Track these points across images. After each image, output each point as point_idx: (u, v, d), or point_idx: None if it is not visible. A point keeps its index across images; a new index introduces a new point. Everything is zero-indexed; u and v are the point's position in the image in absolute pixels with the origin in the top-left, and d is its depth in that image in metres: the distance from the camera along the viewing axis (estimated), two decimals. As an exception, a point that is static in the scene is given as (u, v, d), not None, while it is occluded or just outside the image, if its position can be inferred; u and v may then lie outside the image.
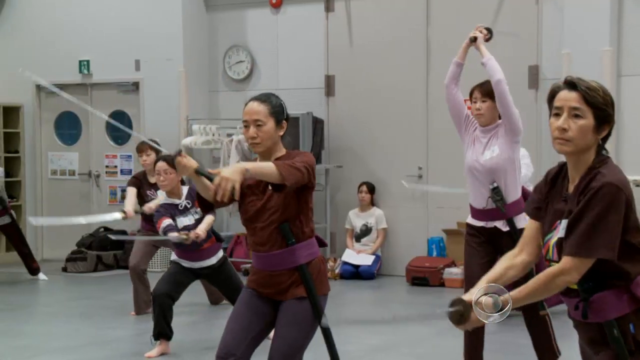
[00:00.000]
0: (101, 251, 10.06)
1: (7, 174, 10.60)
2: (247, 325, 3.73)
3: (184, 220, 5.99)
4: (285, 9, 10.04)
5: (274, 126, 3.71)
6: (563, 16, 8.48)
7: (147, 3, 10.30)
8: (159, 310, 5.87)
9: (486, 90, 4.97)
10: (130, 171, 10.61)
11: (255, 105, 3.72)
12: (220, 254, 6.15)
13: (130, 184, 7.37)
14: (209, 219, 5.95)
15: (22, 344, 6.42)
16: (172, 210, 6.01)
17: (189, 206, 6.05)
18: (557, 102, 2.77)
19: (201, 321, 7.28)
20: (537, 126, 8.48)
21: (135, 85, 10.48)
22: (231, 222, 10.31)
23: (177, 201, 6.06)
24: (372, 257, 9.34)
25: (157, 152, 7.35)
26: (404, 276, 9.07)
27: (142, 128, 10.40)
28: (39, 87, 10.97)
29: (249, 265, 9.52)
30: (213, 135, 9.91)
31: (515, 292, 2.76)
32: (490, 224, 4.96)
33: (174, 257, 6.09)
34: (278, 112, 3.73)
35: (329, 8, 9.82)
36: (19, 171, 11.03)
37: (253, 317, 3.75)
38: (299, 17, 9.99)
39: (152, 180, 7.20)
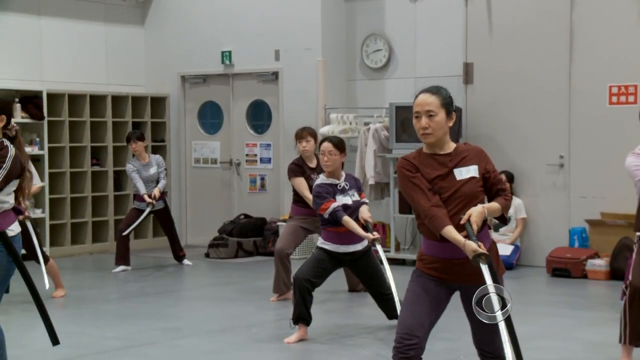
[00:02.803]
0: (241, 238, 10.33)
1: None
2: (427, 310, 3.81)
3: (343, 199, 6.09)
4: (424, -4, 10.00)
5: (444, 117, 3.83)
6: None
7: (287, -6, 10.48)
8: (299, 294, 5.96)
9: None
10: (269, 160, 10.84)
11: (427, 97, 3.84)
12: (365, 242, 6.18)
13: (296, 174, 7.44)
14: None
15: (169, 326, 6.68)
16: (332, 190, 6.11)
17: (347, 187, 6.15)
18: None
19: (340, 308, 7.36)
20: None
21: (275, 75, 10.68)
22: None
23: (336, 181, 6.15)
24: (511, 247, 9.19)
25: (316, 137, 7.54)
26: (543, 267, 8.88)
27: (281, 117, 10.59)
28: (183, 78, 11.35)
29: (386, 252, 9.56)
30: (350, 124, 9.98)
31: None
32: None
33: (320, 242, 6.17)
34: (448, 103, 3.86)
35: (468, -6, 9.69)
36: (165, 159, 11.45)
37: (433, 302, 3.83)
38: (437, 5, 9.90)
39: (312, 164, 7.42)
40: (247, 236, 10.37)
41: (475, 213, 3.71)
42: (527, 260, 9.33)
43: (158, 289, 8.37)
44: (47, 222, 10.22)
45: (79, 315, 7.05)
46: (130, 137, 9.32)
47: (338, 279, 7.63)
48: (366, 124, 9.92)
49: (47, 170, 10.16)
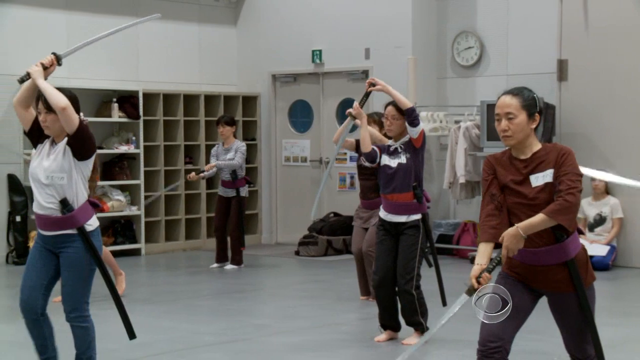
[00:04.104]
0: (331, 236, 10.36)
1: (246, 160, 11.15)
2: (512, 313, 3.73)
3: (388, 160, 5.82)
4: (517, -7, 9.85)
5: (525, 119, 3.73)
6: None
7: (377, -8, 10.47)
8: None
9: None
10: (359, 158, 10.83)
11: (507, 99, 3.76)
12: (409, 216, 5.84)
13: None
14: None
15: (260, 323, 6.76)
16: (382, 148, 5.90)
17: (399, 150, 5.83)
18: None
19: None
20: None
21: (365, 74, 10.68)
22: (458, 209, 10.27)
23: (391, 142, 5.92)
24: (607, 248, 8.97)
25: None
26: (641, 268, 8.66)
27: (371, 116, 10.57)
28: (274, 77, 11.46)
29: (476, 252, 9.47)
30: (441, 122, 9.90)
31: None
32: None
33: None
34: (530, 105, 3.75)
35: (563, -11, 9.49)
36: (256, 158, 11.60)
37: (518, 305, 3.74)
38: (531, 1, 9.74)
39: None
40: (336, 234, 10.40)
41: (507, 237, 3.62)
42: (624, 262, 9.09)
43: (249, 286, 8.48)
44: (143, 219, 10.46)
45: (173, 310, 7.20)
46: (219, 120, 9.35)
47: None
48: (457, 122, 9.83)
49: (142, 168, 10.42)
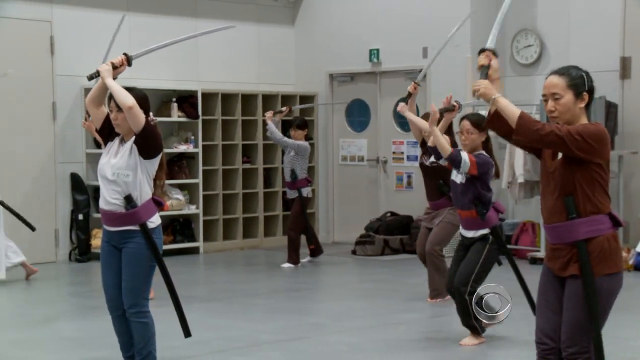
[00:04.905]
0: (388, 235, 10.33)
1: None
2: (558, 309, 3.69)
3: (454, 175, 5.83)
4: (578, -11, 9.69)
5: (572, 98, 3.67)
6: None
7: (435, -10, 10.40)
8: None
9: None
10: (416, 157, 10.78)
11: (553, 79, 3.72)
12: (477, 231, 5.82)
13: None
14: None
15: (317, 321, 6.77)
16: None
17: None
18: None
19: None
20: None
21: (423, 73, 10.60)
22: (517, 209, 10.15)
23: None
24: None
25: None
26: None
27: (429, 115, 10.51)
28: (332, 77, 11.47)
29: (535, 252, 9.36)
30: (500, 121, 9.79)
31: None
32: None
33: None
34: (577, 84, 3.69)
35: (625, -14, 9.32)
36: (313, 157, 11.61)
37: (559, 296, 3.70)
38: (593, -2, 9.59)
39: None
40: (393, 234, 10.37)
41: (485, 83, 3.68)
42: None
43: (306, 285, 8.50)
44: (201, 218, 10.56)
45: (230, 309, 7.25)
46: (291, 123, 9.59)
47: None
48: (516, 121, 9.71)
49: (200, 168, 10.52)
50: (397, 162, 11.03)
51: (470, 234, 5.78)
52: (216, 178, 10.77)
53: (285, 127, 10.19)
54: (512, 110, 3.63)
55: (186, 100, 10.43)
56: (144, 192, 4.63)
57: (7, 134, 9.40)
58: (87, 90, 9.89)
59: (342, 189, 11.56)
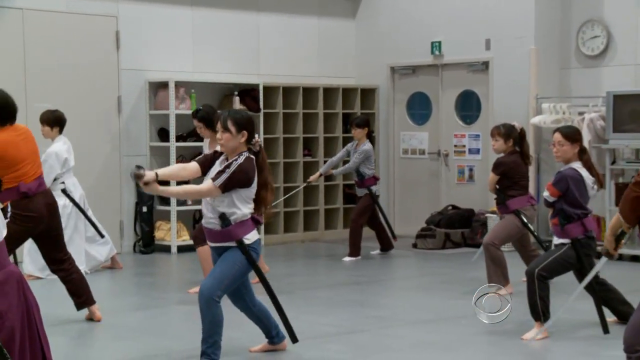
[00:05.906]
0: (449, 229, 10.27)
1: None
2: None
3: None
4: (648, -23, 9.49)
5: None
6: None
7: (498, -18, 10.27)
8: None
9: None
10: (478, 150, 10.70)
11: None
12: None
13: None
14: None
15: (379, 314, 6.77)
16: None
17: None
18: None
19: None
20: None
21: (485, 65, 10.51)
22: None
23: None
24: None
25: (506, 138, 7.24)
26: None
27: (491, 108, 10.42)
28: (393, 69, 11.43)
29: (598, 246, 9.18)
30: (563, 113, 9.66)
31: None
32: None
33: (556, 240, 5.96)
34: None
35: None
36: (374, 150, 11.56)
37: None
38: (661, -14, 9.37)
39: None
40: (454, 227, 10.30)
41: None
42: None
43: (367, 278, 8.50)
44: (262, 210, 10.63)
45: (292, 301, 7.27)
46: (351, 122, 9.66)
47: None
48: (580, 113, 9.56)
49: (262, 160, 10.57)
50: (458, 155, 10.95)
51: (556, 240, 5.95)
52: (277, 171, 10.83)
53: (346, 123, 10.20)
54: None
55: (248, 93, 10.50)
56: (238, 212, 4.90)
57: (74, 127, 9.56)
58: (151, 84, 10.05)
59: (403, 182, 11.52)
